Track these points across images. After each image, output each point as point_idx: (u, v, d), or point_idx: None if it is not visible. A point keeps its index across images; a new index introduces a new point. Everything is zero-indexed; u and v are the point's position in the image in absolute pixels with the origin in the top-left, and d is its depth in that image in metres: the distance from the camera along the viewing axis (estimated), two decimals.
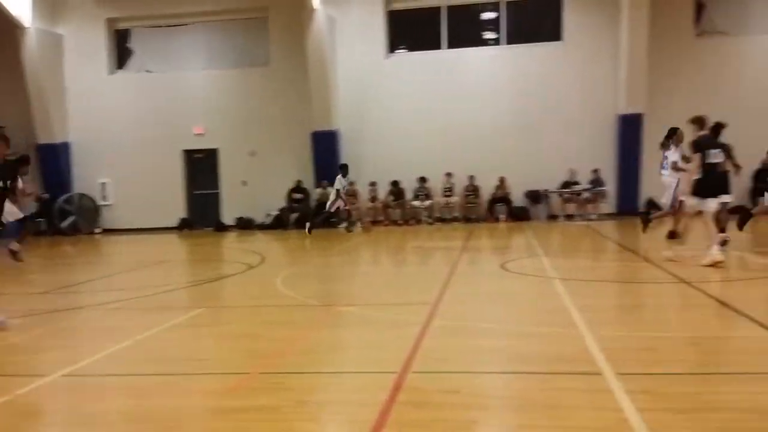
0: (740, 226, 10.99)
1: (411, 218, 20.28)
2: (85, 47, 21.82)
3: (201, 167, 21.77)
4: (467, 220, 19.95)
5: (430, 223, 19.92)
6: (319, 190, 20.42)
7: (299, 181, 20.77)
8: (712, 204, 9.50)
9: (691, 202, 9.87)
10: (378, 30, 20.73)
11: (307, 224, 17.72)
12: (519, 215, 19.64)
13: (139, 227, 21.42)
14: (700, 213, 9.95)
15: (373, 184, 20.36)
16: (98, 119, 21.54)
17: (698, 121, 9.85)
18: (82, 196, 21.72)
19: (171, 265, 13.40)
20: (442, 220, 20.18)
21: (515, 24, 20.51)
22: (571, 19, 19.93)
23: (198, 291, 9.53)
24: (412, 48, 21.28)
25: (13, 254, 10.13)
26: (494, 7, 20.68)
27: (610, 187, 19.57)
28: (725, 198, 11.13)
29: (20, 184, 8.71)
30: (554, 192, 19.75)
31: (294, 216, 20.40)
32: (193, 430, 4.01)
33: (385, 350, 5.49)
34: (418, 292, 8.54)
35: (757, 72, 19.07)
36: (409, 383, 4.51)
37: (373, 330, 6.36)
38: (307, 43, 19.76)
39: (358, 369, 5.08)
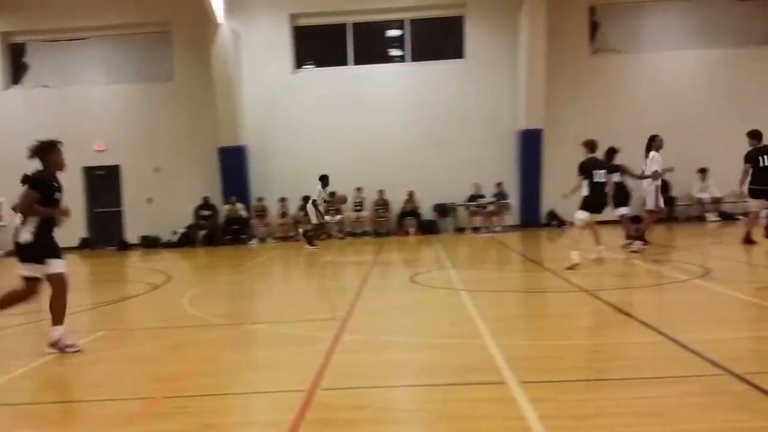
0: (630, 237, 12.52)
1: (322, 233, 20.21)
2: None
3: (102, 184, 21.03)
4: (378, 233, 20.10)
5: (341, 238, 19.95)
6: (227, 207, 20.10)
7: (206, 198, 20.38)
8: (583, 216, 10.53)
9: (580, 215, 10.58)
10: (284, 45, 20.70)
11: (306, 240, 17.10)
12: (428, 228, 19.95)
13: None
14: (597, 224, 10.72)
15: (283, 199, 20.22)
16: None
17: (588, 145, 10.75)
18: None
19: (71, 286, 12.79)
20: (352, 234, 20.25)
21: (420, 42, 20.95)
22: (472, 37, 20.52)
23: (99, 313, 9.17)
24: (319, 63, 21.35)
25: None
26: (399, 25, 21.05)
27: (514, 199, 20.19)
28: (623, 210, 12.48)
29: None
30: (461, 205, 20.20)
31: (202, 233, 19.98)
32: None
33: (294, 368, 5.45)
34: (328, 307, 8.54)
35: (648, 87, 20.14)
36: (318, 400, 4.49)
37: (282, 348, 6.30)
38: (212, 58, 19.51)
39: (266, 389, 5.01)
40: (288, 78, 20.72)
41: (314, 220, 16.84)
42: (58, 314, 6.31)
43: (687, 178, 19.18)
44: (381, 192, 20.22)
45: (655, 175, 12.27)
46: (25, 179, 6.63)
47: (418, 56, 20.89)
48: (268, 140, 20.43)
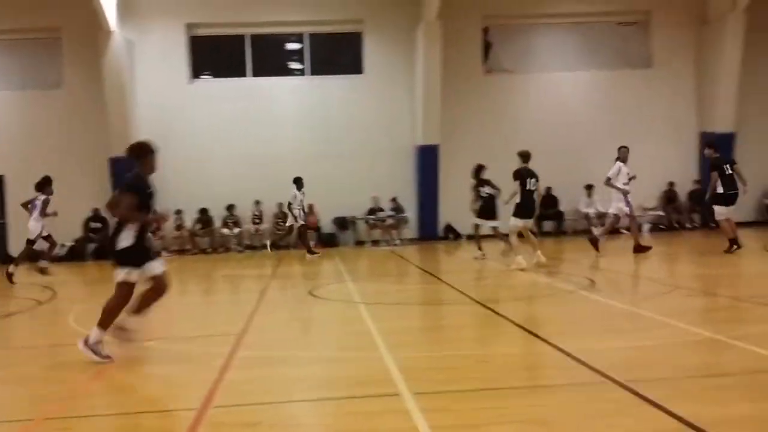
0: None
1: (220, 246, 19.93)
2: None
3: None
4: (277, 247, 19.91)
5: (240, 251, 19.63)
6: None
7: (97, 210, 19.54)
8: (516, 222, 11.47)
9: (513, 222, 11.28)
10: (180, 55, 20.26)
11: (306, 249, 16.83)
12: (328, 241, 19.94)
13: None
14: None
15: (179, 212, 19.68)
16: None
17: (523, 155, 11.76)
18: None
19: None
20: (252, 247, 19.98)
21: (319, 55, 21.02)
22: (370, 53, 20.78)
23: None
24: (217, 74, 21.02)
25: None
26: (298, 39, 21.05)
27: (411, 213, 20.50)
28: (494, 223, 13.87)
29: None
30: (360, 219, 20.34)
31: (92, 246, 19.16)
32: None
33: (185, 386, 5.32)
34: (224, 322, 8.37)
35: (537, 106, 20.95)
36: (209, 418, 4.39)
37: (174, 365, 6.13)
38: (104, 66, 18.85)
39: (155, 408, 4.86)
40: (184, 88, 20.27)
41: (295, 222, 16.94)
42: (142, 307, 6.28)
43: (574, 194, 20.11)
44: (280, 205, 20.04)
45: (606, 182, 13.27)
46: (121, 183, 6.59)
47: (317, 70, 20.93)
48: (163, 151, 19.36)
